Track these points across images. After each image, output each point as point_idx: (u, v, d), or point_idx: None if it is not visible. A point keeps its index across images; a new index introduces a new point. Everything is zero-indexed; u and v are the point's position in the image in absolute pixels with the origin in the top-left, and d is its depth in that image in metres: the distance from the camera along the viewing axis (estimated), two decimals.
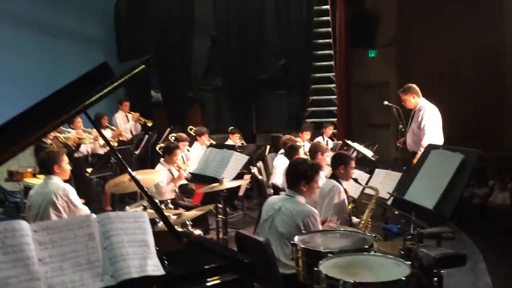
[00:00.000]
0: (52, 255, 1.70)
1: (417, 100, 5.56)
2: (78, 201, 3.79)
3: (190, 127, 8.26)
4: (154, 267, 1.87)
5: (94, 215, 1.88)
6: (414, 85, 5.60)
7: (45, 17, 8.37)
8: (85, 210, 3.84)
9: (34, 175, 5.83)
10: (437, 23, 9.22)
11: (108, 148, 6.88)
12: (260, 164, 6.82)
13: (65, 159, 3.89)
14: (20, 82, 7.48)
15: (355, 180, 4.01)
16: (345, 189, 3.99)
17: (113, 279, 1.76)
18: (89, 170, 6.44)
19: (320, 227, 3.22)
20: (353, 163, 4.05)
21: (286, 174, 3.46)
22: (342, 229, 3.02)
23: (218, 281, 2.07)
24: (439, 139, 5.38)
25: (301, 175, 3.26)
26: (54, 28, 8.54)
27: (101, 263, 1.77)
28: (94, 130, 7.14)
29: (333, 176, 4.06)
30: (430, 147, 2.79)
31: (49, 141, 6.09)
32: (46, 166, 3.81)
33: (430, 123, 5.42)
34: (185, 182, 6.09)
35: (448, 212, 2.35)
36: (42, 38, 8.24)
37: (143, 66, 2.09)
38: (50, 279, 1.66)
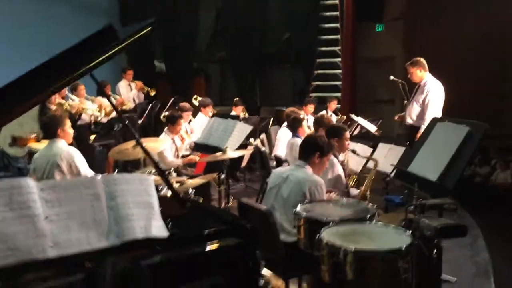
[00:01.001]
0: (59, 213, 1.72)
1: (423, 74, 5.53)
2: (83, 164, 3.78)
3: (195, 96, 8.23)
4: (159, 229, 1.90)
5: (100, 176, 1.89)
6: (422, 59, 5.56)
7: None
8: (89, 173, 3.85)
9: (38, 141, 5.83)
10: (448, 2, 9.05)
11: (110, 116, 6.93)
12: (263, 136, 6.83)
13: (68, 123, 3.88)
14: (20, 48, 7.41)
15: (353, 151, 3.99)
16: (342, 162, 3.97)
17: (118, 238, 1.78)
18: (91, 137, 6.46)
19: (325, 198, 3.25)
20: (347, 134, 4.02)
21: (300, 146, 3.46)
22: (345, 199, 3.04)
23: (218, 244, 2.09)
24: (438, 115, 5.37)
25: (317, 147, 3.31)
26: None
27: (107, 223, 1.79)
28: (97, 98, 7.15)
29: None
30: (436, 120, 2.77)
31: (53, 107, 6.08)
32: (50, 129, 3.81)
33: (434, 99, 5.40)
34: (188, 152, 6.11)
35: (451, 184, 2.36)
36: (44, 4, 8.11)
37: (150, 28, 2.06)
38: (56, 236, 1.68)
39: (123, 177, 1.93)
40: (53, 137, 3.81)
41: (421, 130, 5.02)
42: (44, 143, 5.76)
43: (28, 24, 7.64)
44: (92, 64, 2.00)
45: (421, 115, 5.47)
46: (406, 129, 5.87)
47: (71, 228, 1.72)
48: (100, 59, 2.01)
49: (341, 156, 4.03)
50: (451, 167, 2.38)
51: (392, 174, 3.55)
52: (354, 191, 3.93)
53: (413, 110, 5.59)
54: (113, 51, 2.03)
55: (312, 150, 3.31)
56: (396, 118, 6.07)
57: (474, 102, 8.63)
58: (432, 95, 5.42)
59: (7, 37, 7.22)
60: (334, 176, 3.79)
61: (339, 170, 3.84)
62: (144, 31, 2.08)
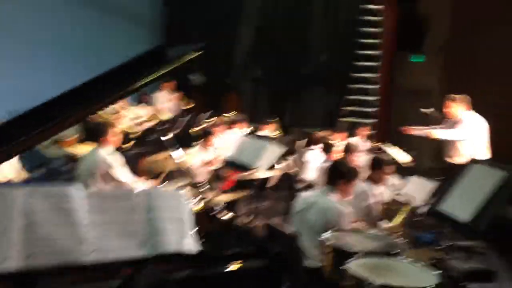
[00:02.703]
0: (101, 220, 1.82)
1: (463, 111, 5.43)
2: (120, 173, 3.92)
3: (231, 113, 8.34)
4: (190, 245, 1.97)
5: (140, 189, 1.98)
6: (464, 96, 5.47)
7: None
8: (127, 181, 3.97)
9: (76, 143, 6.05)
10: (489, 37, 8.90)
11: (145, 126, 7.10)
12: (292, 157, 6.85)
13: (116, 129, 4.04)
14: (64, 53, 7.67)
15: (390, 185, 4.02)
16: (378, 193, 3.98)
17: (153, 250, 1.86)
18: (124, 146, 6.61)
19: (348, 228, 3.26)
20: (388, 169, 4.06)
21: (327, 171, 3.51)
22: (374, 232, 3.04)
23: (244, 265, 2.14)
24: (482, 153, 5.27)
25: (343, 173, 3.37)
26: (104, 3, 8.66)
27: (144, 234, 1.88)
28: (132, 108, 7.35)
29: (368, 179, 4.07)
30: (473, 161, 2.76)
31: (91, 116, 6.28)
32: (98, 134, 3.99)
33: (474, 136, 5.31)
34: (217, 167, 6.19)
35: (483, 227, 2.34)
36: (87, 14, 8.35)
37: (200, 52, 2.15)
38: (98, 242, 1.78)
39: (161, 192, 2.03)
40: (100, 142, 3.98)
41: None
42: (83, 146, 5.99)
43: (71, 31, 7.87)
44: (140, 84, 2.10)
45: (460, 152, 5.38)
46: (443, 163, 5.78)
47: (111, 236, 1.81)
48: (148, 79, 2.10)
49: (378, 188, 4.05)
50: (484, 210, 2.36)
51: (424, 210, 3.52)
52: (385, 224, 3.91)
53: (452, 147, 5.50)
54: (162, 73, 2.12)
55: (337, 177, 3.38)
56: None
57: None
58: (471, 132, 5.33)
59: (50, 44, 7.48)
60: (368, 205, 3.81)
61: (374, 200, 3.86)
62: (194, 55, 2.17)
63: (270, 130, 8.15)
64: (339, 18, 9.86)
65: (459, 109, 5.43)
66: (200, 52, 2.17)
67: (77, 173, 4.08)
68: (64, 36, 7.67)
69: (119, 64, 2.25)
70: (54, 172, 7.09)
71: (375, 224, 3.91)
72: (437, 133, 5.48)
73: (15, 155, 2.09)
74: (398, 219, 3.72)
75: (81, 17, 8.03)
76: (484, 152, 5.31)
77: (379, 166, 4.03)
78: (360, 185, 4.07)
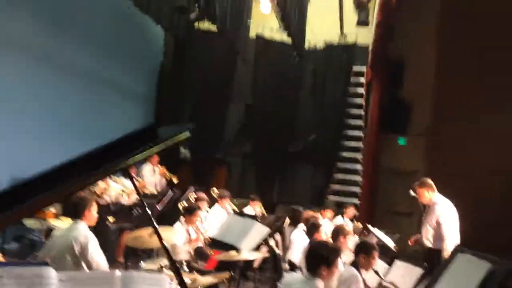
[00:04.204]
0: None
1: (432, 195, 5.52)
2: (96, 252, 3.80)
3: (213, 188, 8.33)
4: None
5: (118, 272, 1.91)
6: (429, 180, 5.61)
7: (95, 64, 8.73)
8: (101, 262, 3.84)
9: (56, 216, 5.92)
10: (472, 122, 9.25)
11: (131, 199, 7.03)
12: (278, 237, 6.75)
13: (95, 205, 3.99)
14: (56, 123, 7.67)
15: (376, 272, 3.94)
16: (363, 279, 3.90)
17: None
18: (110, 218, 6.50)
19: None
20: (376, 254, 3.99)
21: (305, 257, 3.43)
22: None
23: None
24: (455, 237, 5.31)
25: (322, 259, 3.25)
26: (100, 77, 8.82)
27: None
28: (120, 178, 7.30)
29: (354, 264, 4.00)
30: (457, 250, 2.75)
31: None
32: (76, 210, 3.91)
33: (447, 219, 5.38)
34: (201, 244, 6.06)
35: None
36: (85, 84, 8.45)
37: (189, 134, 2.20)
38: None
39: (141, 276, 1.94)
40: (77, 218, 3.90)
41: (443, 251, 5.01)
42: (62, 220, 5.86)
43: (64, 102, 7.90)
44: (129, 163, 2.12)
45: (438, 237, 5.39)
46: (424, 251, 5.75)
47: None
48: (138, 158, 2.12)
49: (364, 274, 3.96)
50: None
51: None
52: None
53: (429, 233, 5.50)
54: (152, 152, 2.15)
55: (318, 263, 3.25)
56: (410, 242, 5.98)
57: (499, 229, 8.36)
58: (445, 216, 5.39)
59: (43, 114, 7.51)
60: None
61: (362, 286, 3.77)
62: (183, 137, 2.22)
63: (255, 206, 8.11)
64: (326, 98, 10.23)
65: (427, 193, 5.51)
66: (188, 135, 2.22)
67: (52, 248, 3.93)
68: (55, 109, 7.74)
69: (110, 141, 2.27)
70: (33, 243, 6.87)
71: None
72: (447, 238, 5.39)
73: None
74: None
75: (73, 88, 8.16)
76: (457, 233, 5.35)
77: (368, 251, 3.97)
78: (349, 269, 3.99)
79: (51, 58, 7.76)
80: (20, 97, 7.17)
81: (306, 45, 10.14)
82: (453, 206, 5.49)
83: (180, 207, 6.86)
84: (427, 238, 5.52)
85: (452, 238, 5.28)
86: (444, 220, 5.36)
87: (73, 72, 8.21)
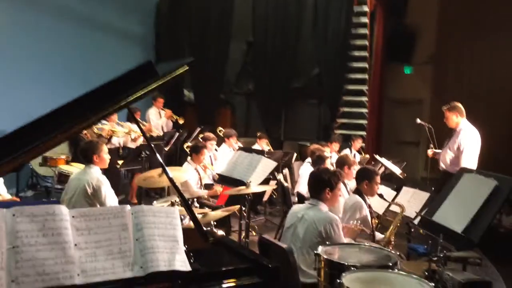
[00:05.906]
0: (88, 241, 1.78)
1: (460, 120, 5.42)
2: (109, 194, 3.93)
3: (220, 128, 8.35)
4: (182, 263, 1.93)
5: (128, 207, 1.95)
6: (459, 104, 5.46)
7: (89, 10, 8.53)
8: (113, 202, 3.97)
9: (67, 162, 6.02)
10: (477, 46, 9.03)
11: (138, 142, 7.10)
12: (286, 171, 6.84)
13: (105, 149, 4.07)
14: (55, 71, 7.65)
15: (381, 196, 3.97)
16: (369, 205, 3.96)
17: (142, 270, 1.82)
18: (119, 162, 6.60)
19: (342, 235, 3.24)
20: (378, 179, 4.01)
21: (308, 183, 3.47)
22: (367, 244, 3.01)
23: (240, 283, 2.10)
24: (474, 163, 5.28)
25: (325, 182, 3.30)
26: (96, 21, 8.68)
27: (132, 254, 1.84)
28: (126, 123, 7.34)
29: (357, 191, 4.04)
30: (463, 170, 2.76)
31: (84, 131, 6.27)
32: (86, 155, 3.99)
33: (469, 146, 5.30)
34: (210, 182, 6.17)
35: (477, 237, 2.33)
36: (83, 30, 8.35)
37: (187, 67, 2.15)
38: (84, 264, 1.74)
39: (151, 209, 1.98)
40: (89, 163, 3.98)
41: None
42: (74, 166, 5.96)
43: (63, 48, 7.87)
44: (130, 100, 2.09)
45: (456, 162, 5.34)
46: (439, 174, 5.76)
47: (98, 257, 1.77)
48: (138, 95, 2.09)
49: (370, 199, 4.02)
50: (477, 220, 2.36)
51: (416, 221, 3.50)
52: (378, 236, 3.89)
53: (447, 156, 5.48)
54: (151, 87, 2.11)
55: (321, 187, 3.31)
56: (429, 153, 5.92)
57: (509, 148, 8.38)
58: (467, 142, 5.31)
59: (43, 61, 7.48)
60: (361, 217, 3.78)
61: (367, 212, 3.83)
62: (181, 70, 2.17)
63: (262, 144, 8.16)
64: (329, 31, 9.92)
65: (456, 117, 5.42)
66: (187, 68, 2.16)
67: (67, 191, 4.06)
68: (53, 53, 7.66)
69: (109, 79, 2.23)
70: (48, 190, 7.06)
71: (372, 236, 3.89)
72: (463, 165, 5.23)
73: (5, 174, 2.05)
74: (391, 230, 3.69)
75: (71, 35, 8.03)
76: (475, 161, 5.32)
77: (369, 177, 3.99)
78: (353, 197, 4.05)
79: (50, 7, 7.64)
80: (15, 42, 7.09)
81: None
82: (478, 135, 5.38)
83: (188, 147, 6.93)
84: (445, 161, 5.51)
85: (469, 166, 5.14)
86: (466, 146, 5.29)
87: (70, 17, 8.04)
